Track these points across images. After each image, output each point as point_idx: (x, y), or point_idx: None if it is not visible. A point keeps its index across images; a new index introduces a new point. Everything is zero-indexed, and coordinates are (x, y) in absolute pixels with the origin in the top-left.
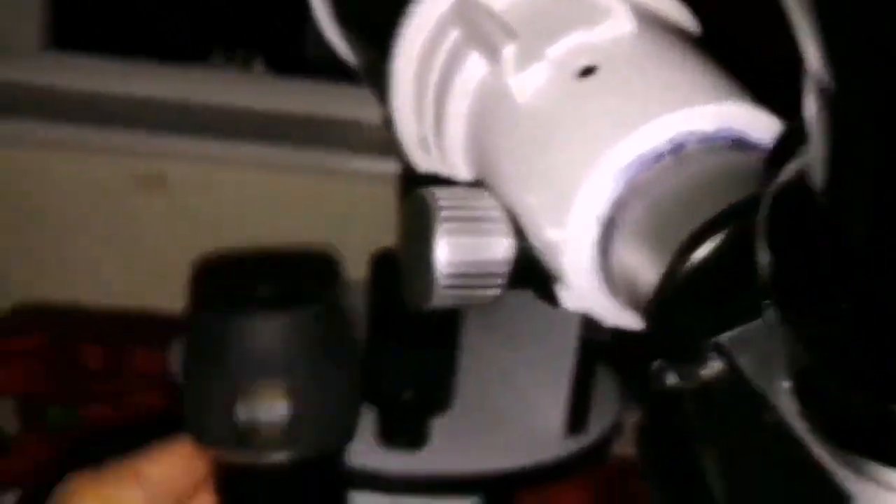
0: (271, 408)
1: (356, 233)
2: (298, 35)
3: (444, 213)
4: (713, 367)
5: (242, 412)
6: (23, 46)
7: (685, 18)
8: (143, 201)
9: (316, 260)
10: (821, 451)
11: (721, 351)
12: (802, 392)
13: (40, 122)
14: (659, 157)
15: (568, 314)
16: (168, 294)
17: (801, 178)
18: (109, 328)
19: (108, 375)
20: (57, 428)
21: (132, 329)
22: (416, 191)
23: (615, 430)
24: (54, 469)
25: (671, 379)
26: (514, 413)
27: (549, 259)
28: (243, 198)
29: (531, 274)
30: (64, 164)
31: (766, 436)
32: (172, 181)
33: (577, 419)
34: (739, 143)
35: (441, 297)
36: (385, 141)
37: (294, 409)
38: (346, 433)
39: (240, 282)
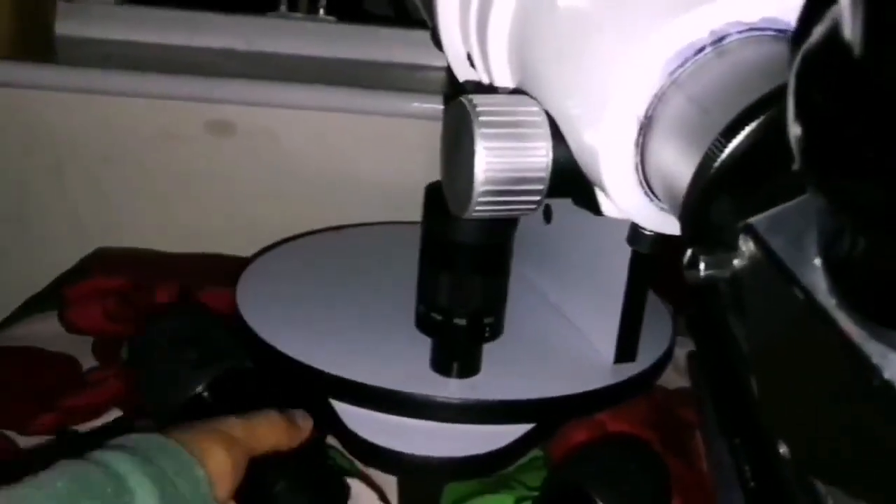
0: None
1: (418, 170)
2: None
3: (482, 119)
4: (746, 251)
5: None
6: (99, 2)
7: None
8: (213, 146)
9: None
10: (849, 326)
11: (753, 233)
12: (832, 266)
13: (115, 71)
14: (699, 49)
15: (620, 244)
16: (234, 237)
17: (831, 34)
18: (180, 270)
19: None
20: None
21: (202, 270)
22: (456, 98)
23: (665, 359)
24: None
25: (704, 268)
26: (565, 341)
27: (588, 164)
28: (311, 140)
29: (572, 181)
30: (138, 111)
31: (797, 314)
32: (241, 126)
33: (627, 348)
34: (784, 33)
35: (481, 203)
36: (444, 83)
37: None
38: None
39: None
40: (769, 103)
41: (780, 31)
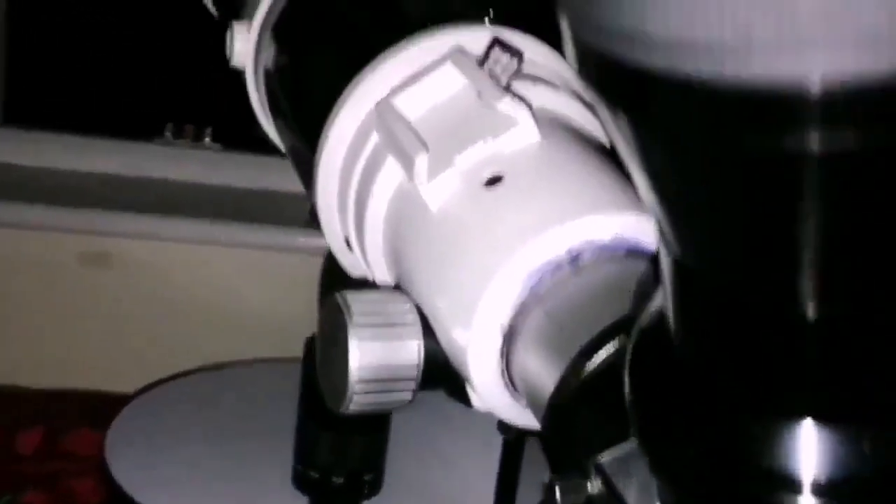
0: None
1: (306, 308)
2: (247, 112)
3: (356, 319)
4: (596, 485)
5: None
6: None
7: (591, 122)
8: (88, 279)
9: None
10: None
11: (601, 472)
12: None
13: None
14: (558, 266)
15: None
16: (111, 373)
17: (660, 320)
18: (48, 410)
19: (43, 460)
20: None
21: (72, 410)
22: (332, 295)
23: None
24: None
25: (560, 496)
26: (446, 492)
27: (458, 362)
28: (191, 274)
29: (444, 375)
30: (10, 240)
31: None
32: (119, 258)
33: (506, 498)
34: (635, 252)
35: (355, 400)
36: None
37: None
38: None
39: None
40: (616, 332)
41: (630, 248)
